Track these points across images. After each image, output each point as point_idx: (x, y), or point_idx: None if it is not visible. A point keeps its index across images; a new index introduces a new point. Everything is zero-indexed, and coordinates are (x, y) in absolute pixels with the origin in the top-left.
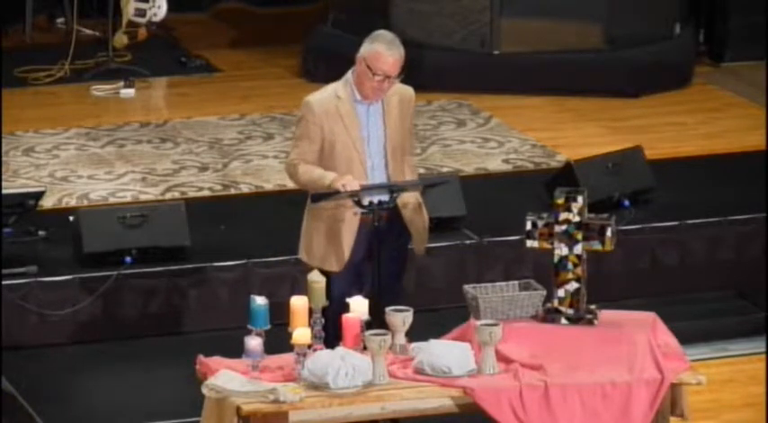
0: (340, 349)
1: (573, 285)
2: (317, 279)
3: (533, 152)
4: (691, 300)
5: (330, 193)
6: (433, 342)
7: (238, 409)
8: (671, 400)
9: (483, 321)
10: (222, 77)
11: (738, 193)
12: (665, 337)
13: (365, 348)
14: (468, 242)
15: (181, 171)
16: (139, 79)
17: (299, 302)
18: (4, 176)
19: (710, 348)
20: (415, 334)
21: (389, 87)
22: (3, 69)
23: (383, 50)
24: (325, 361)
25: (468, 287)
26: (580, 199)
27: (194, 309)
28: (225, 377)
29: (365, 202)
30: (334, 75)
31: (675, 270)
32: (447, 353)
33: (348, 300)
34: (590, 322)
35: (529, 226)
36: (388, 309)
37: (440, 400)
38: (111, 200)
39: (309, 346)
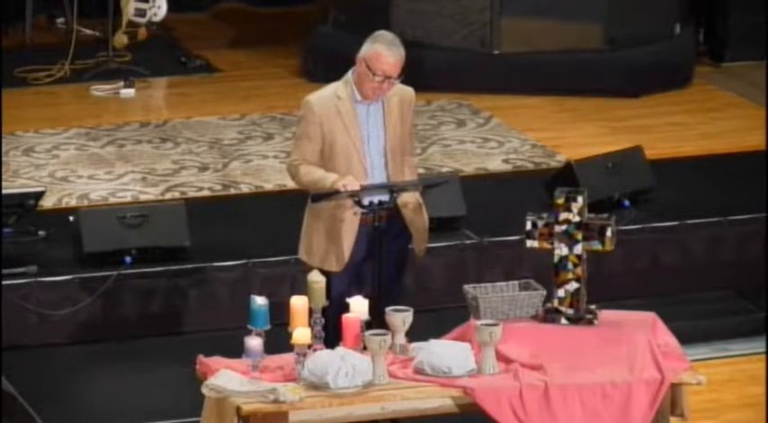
0: (340, 349)
1: (573, 285)
2: (317, 279)
3: (533, 152)
4: (691, 300)
5: (330, 193)
6: (433, 342)
7: (238, 409)
8: (671, 400)
9: (483, 321)
10: (222, 77)
11: (738, 193)
12: (665, 337)
13: (365, 348)
14: (468, 242)
15: (181, 171)
16: (139, 79)
17: (299, 302)
18: (4, 176)
19: (710, 348)
20: (415, 334)
21: (390, 88)
22: (3, 69)
23: (383, 51)
24: (325, 361)
25: (468, 287)
26: (580, 199)
27: (194, 309)
28: (225, 377)
29: (365, 202)
30: (335, 75)
31: (675, 270)
32: (447, 353)
33: (348, 300)
34: (590, 322)
35: (529, 226)
36: (388, 309)
37: (440, 400)
38: (111, 200)
39: (309, 346)
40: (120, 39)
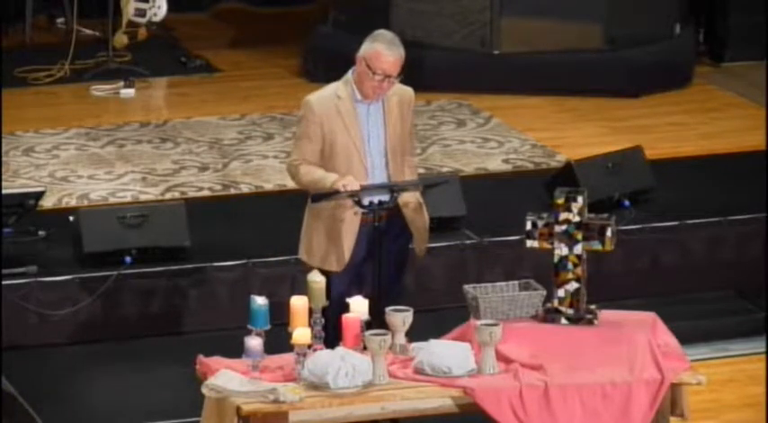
0: (340, 349)
1: (573, 285)
2: (316, 279)
3: (533, 152)
4: (691, 300)
5: (330, 193)
6: (433, 342)
7: (238, 409)
8: (671, 400)
9: (483, 321)
10: (222, 77)
11: (738, 193)
12: (665, 337)
13: (365, 348)
14: (468, 242)
15: (181, 171)
16: (139, 79)
17: (299, 302)
18: (4, 176)
19: (710, 348)
20: (415, 334)
21: (390, 87)
22: (3, 69)
23: (383, 50)
24: (325, 361)
25: (468, 287)
26: (580, 199)
27: (194, 309)
28: (225, 377)
29: (365, 202)
30: (335, 75)
31: (675, 270)
32: (447, 353)
33: (348, 300)
34: (590, 322)
35: (529, 226)
36: (388, 309)
37: (440, 400)
38: (111, 200)
39: (309, 346)
40: (120, 39)
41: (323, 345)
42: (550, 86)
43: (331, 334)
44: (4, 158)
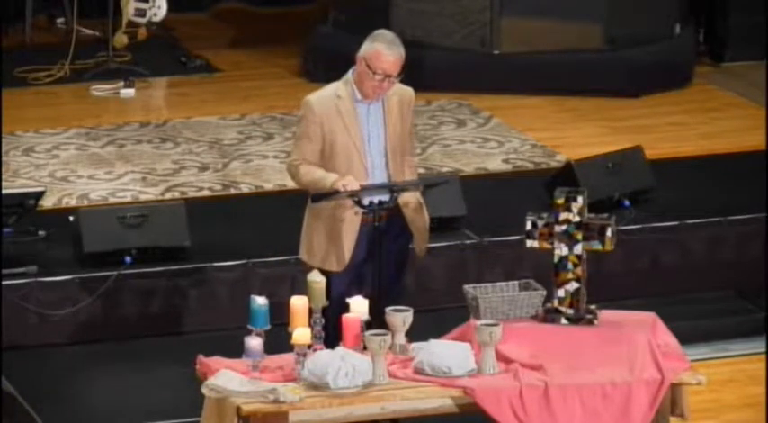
0: (340, 349)
1: (573, 285)
2: (317, 279)
3: (533, 152)
4: (691, 300)
5: (330, 193)
6: (433, 342)
7: (238, 409)
8: (671, 400)
9: (483, 321)
10: (222, 77)
11: (738, 193)
12: (665, 337)
13: (365, 348)
14: (468, 242)
15: (181, 171)
16: (139, 79)
17: (299, 302)
18: (4, 176)
19: (710, 348)
20: (415, 334)
21: (390, 87)
22: (3, 69)
23: (383, 50)
24: (325, 361)
25: (468, 287)
26: (580, 199)
27: (194, 309)
28: (225, 377)
29: (365, 202)
30: (335, 75)
31: (675, 270)
32: (447, 353)
33: (348, 300)
34: (590, 322)
35: (529, 226)
36: (388, 309)
37: (440, 400)
38: (111, 200)
39: (309, 346)
40: (120, 39)
41: (323, 345)
42: (550, 86)
43: (331, 334)
44: (4, 158)
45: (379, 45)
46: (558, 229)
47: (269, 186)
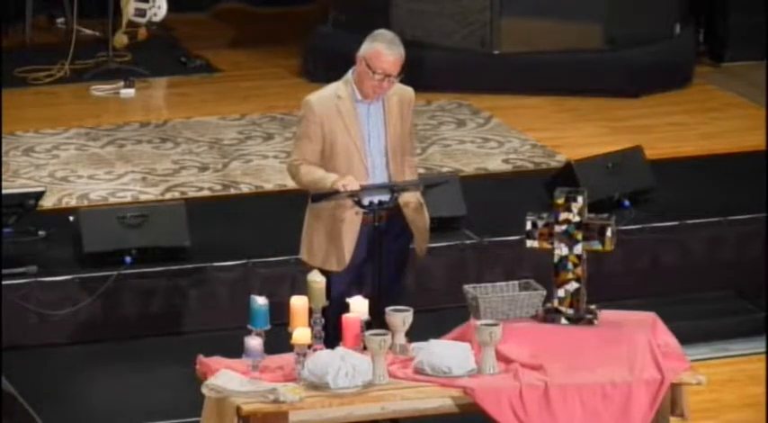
0: (340, 349)
1: (573, 285)
2: (317, 279)
3: (533, 152)
4: (691, 300)
5: (330, 193)
6: (433, 342)
7: (238, 409)
8: (671, 400)
9: (483, 321)
10: (222, 77)
11: (738, 193)
12: (665, 337)
13: (365, 348)
14: (468, 242)
15: (181, 171)
16: (139, 79)
17: (299, 302)
18: (4, 176)
19: (710, 348)
20: (415, 334)
21: (390, 86)
22: (3, 69)
23: (383, 49)
24: (325, 361)
25: (468, 287)
26: (580, 199)
27: (194, 309)
28: (225, 377)
29: (365, 202)
30: (335, 75)
31: (675, 270)
32: (447, 353)
33: (348, 300)
34: (590, 322)
35: (529, 226)
36: (388, 309)
37: (440, 400)
38: (111, 200)
39: (309, 346)
40: (120, 39)
41: (323, 345)
42: (550, 86)
43: (331, 334)
44: (4, 158)
45: (379, 45)
46: (558, 229)
47: (269, 186)
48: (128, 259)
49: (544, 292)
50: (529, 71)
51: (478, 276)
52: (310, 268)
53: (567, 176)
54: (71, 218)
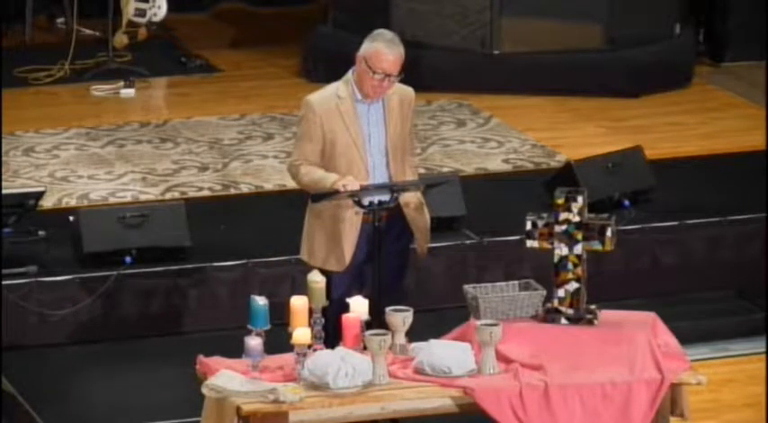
0: (340, 349)
1: (573, 285)
2: (317, 279)
3: (533, 152)
4: (691, 300)
5: (330, 193)
6: (433, 342)
7: (238, 409)
8: (671, 400)
9: (483, 321)
10: (222, 77)
11: (738, 193)
12: (665, 337)
13: (365, 348)
14: (468, 242)
15: (181, 171)
16: (139, 79)
17: (298, 302)
18: (4, 176)
19: (710, 348)
20: (415, 334)
21: (390, 86)
22: (3, 69)
23: (383, 49)
24: (325, 361)
25: (468, 287)
26: (580, 199)
27: (194, 309)
28: (225, 377)
29: (365, 202)
30: (335, 75)
31: (675, 270)
32: (447, 353)
33: (348, 300)
34: (590, 322)
35: (529, 226)
36: (388, 309)
37: (440, 400)
38: (111, 200)
39: (309, 346)
40: (120, 39)
41: (323, 345)
42: (550, 86)
43: (331, 334)
44: (4, 158)
45: (379, 44)
46: (558, 229)
47: (269, 186)
48: (128, 259)
49: (544, 292)
50: (529, 71)
51: (478, 276)
52: (310, 268)
53: (567, 176)
54: (71, 218)
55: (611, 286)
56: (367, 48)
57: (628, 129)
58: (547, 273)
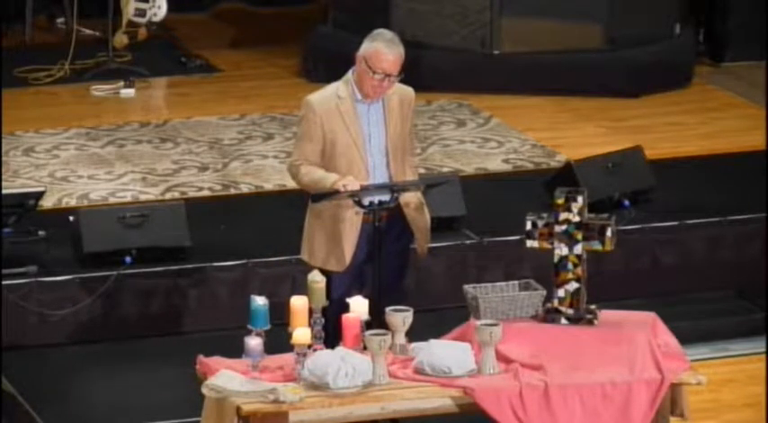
0: (340, 349)
1: (573, 285)
2: (317, 279)
3: (533, 152)
4: (691, 300)
5: (330, 193)
6: (433, 342)
7: (238, 409)
8: (671, 400)
9: (483, 321)
10: (222, 77)
11: (738, 193)
12: (665, 337)
13: (365, 348)
14: (468, 242)
15: (181, 171)
16: (139, 79)
17: (298, 302)
18: (4, 176)
19: (710, 348)
20: (415, 334)
21: (390, 86)
22: (3, 69)
23: (383, 49)
24: (325, 361)
25: (468, 287)
26: (580, 199)
27: (194, 309)
28: (225, 377)
29: (365, 202)
30: (334, 75)
31: (675, 270)
32: (447, 353)
33: (348, 300)
34: (590, 322)
35: (529, 226)
36: (388, 309)
37: (440, 400)
38: (111, 200)
39: (309, 346)
40: (120, 39)
41: (323, 345)
42: (550, 86)
43: (331, 334)
44: (4, 158)
45: (379, 44)
46: (558, 229)
47: (269, 186)
48: (128, 259)
49: (544, 292)
50: (529, 71)
51: (478, 276)
52: (311, 268)
53: (567, 176)
54: (71, 218)
55: (611, 286)
56: (367, 48)
57: (628, 129)
58: (547, 273)
